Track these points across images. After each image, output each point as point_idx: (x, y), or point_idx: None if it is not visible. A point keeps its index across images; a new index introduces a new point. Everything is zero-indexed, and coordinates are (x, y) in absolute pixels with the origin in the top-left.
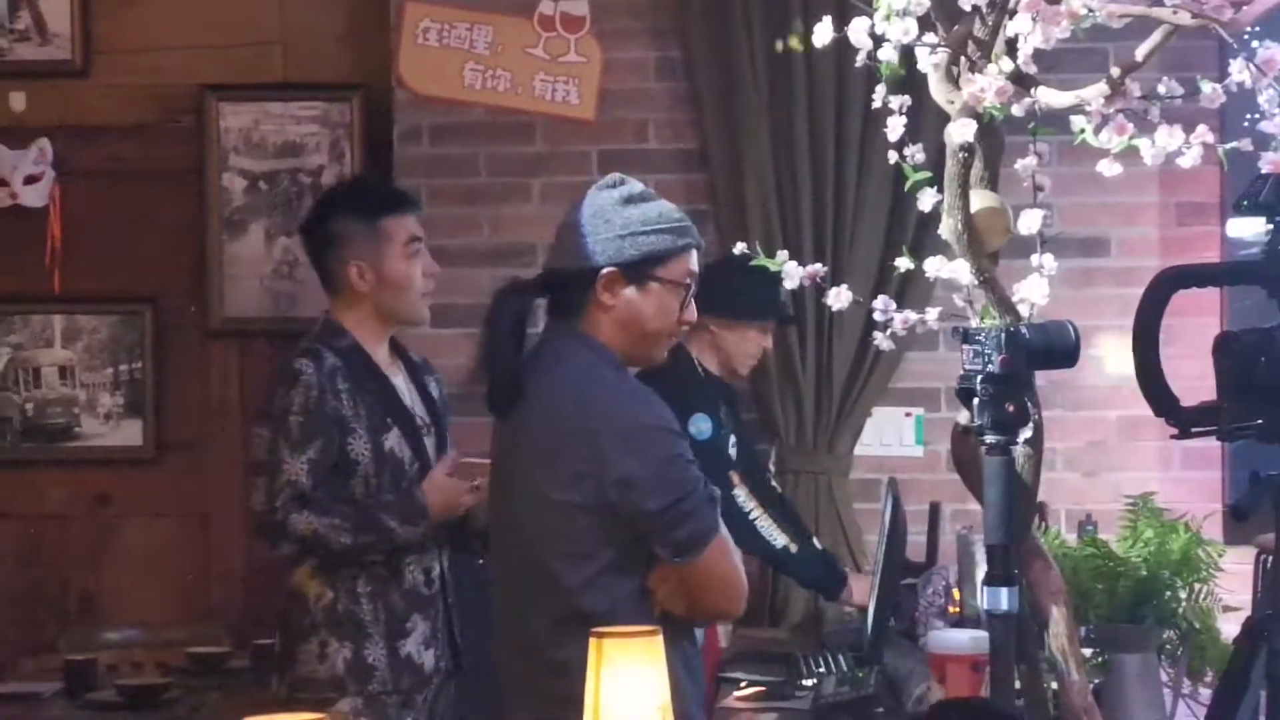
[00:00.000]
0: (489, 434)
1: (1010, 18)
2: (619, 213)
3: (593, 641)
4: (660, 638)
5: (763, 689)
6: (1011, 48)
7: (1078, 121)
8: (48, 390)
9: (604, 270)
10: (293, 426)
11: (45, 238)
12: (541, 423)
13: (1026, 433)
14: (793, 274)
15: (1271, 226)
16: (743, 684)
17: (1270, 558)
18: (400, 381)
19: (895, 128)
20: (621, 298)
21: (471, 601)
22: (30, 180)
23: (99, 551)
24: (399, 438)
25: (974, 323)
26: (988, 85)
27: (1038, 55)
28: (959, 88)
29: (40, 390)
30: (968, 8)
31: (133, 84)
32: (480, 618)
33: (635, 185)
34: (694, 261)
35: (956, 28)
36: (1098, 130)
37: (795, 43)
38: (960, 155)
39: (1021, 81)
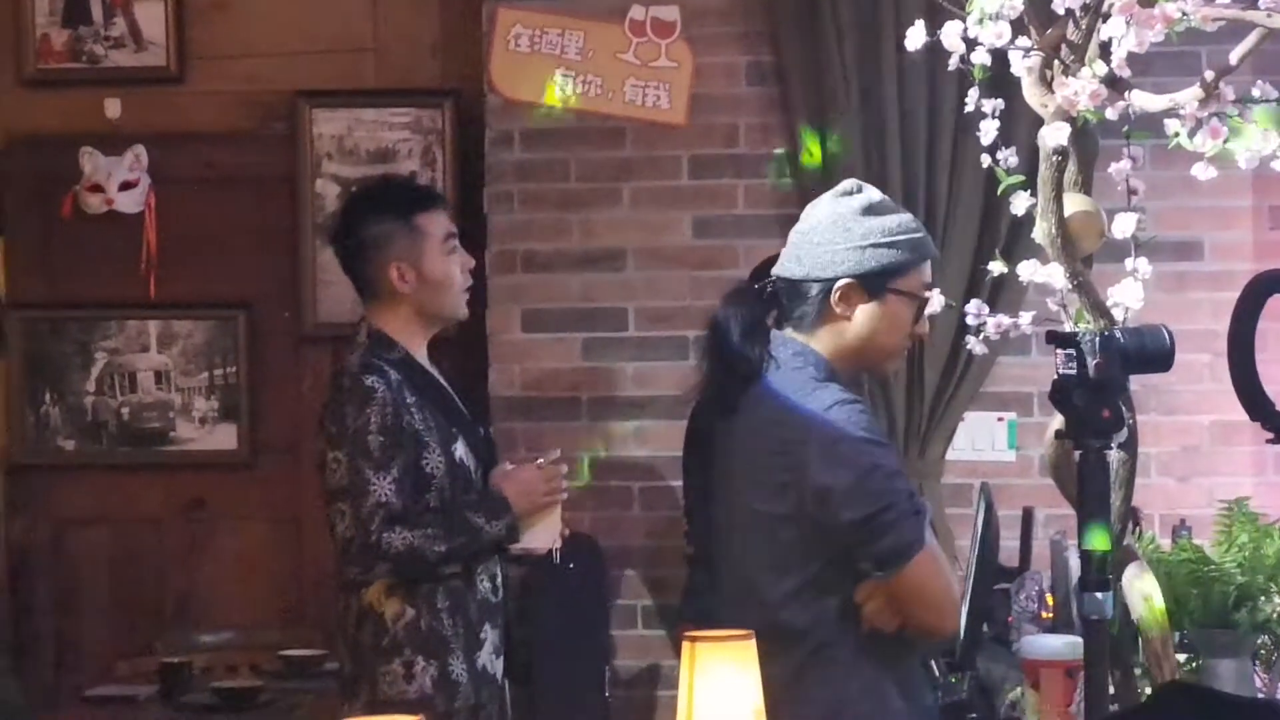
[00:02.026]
0: (563, 437)
1: (1104, 21)
2: (860, 222)
3: (685, 645)
4: (753, 643)
5: None
6: (1105, 51)
7: (1172, 125)
8: (143, 395)
9: (841, 281)
10: (373, 446)
11: (141, 244)
12: (748, 433)
13: (1121, 437)
14: None
15: None
16: None
17: None
18: (448, 386)
19: (988, 131)
20: (856, 309)
21: (537, 607)
22: (126, 186)
23: (193, 555)
24: (465, 446)
25: (1067, 327)
26: (1081, 89)
27: (1131, 59)
28: (1053, 91)
29: (136, 395)
30: (1061, 11)
31: (227, 91)
32: (549, 623)
33: (874, 193)
34: (929, 273)
35: (1050, 31)
36: (1192, 134)
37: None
38: (1054, 159)
39: (1115, 85)
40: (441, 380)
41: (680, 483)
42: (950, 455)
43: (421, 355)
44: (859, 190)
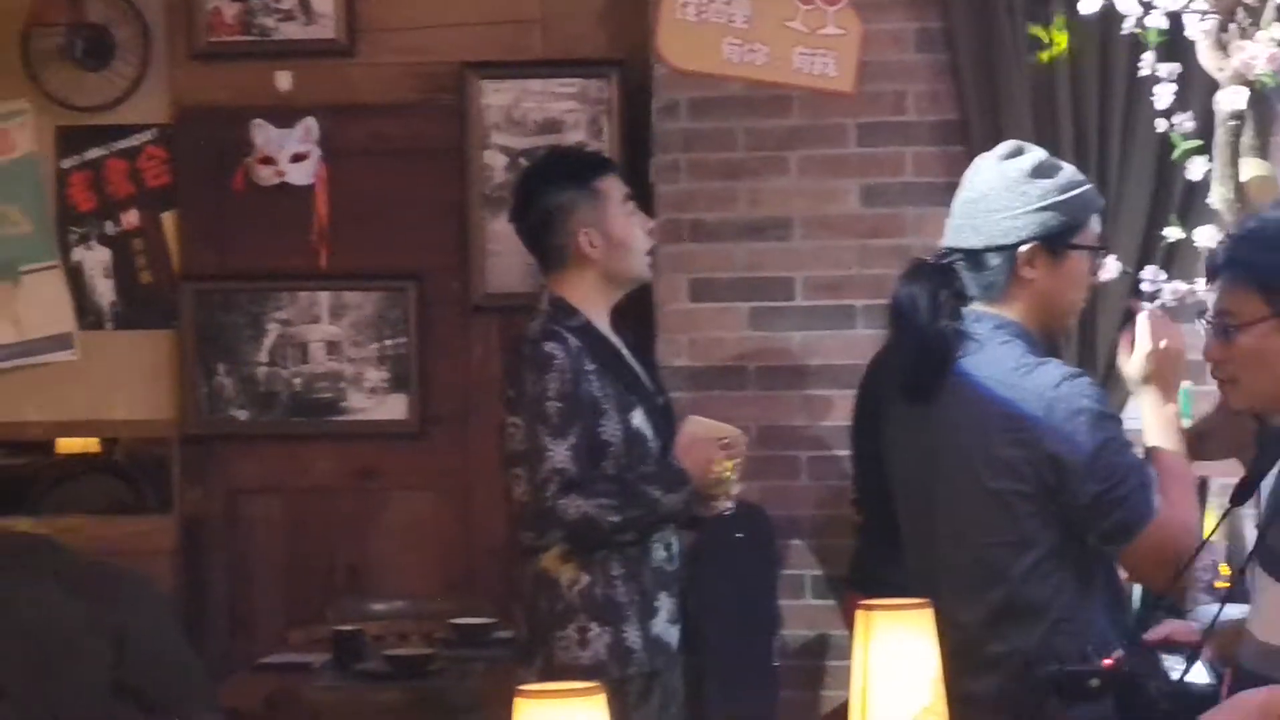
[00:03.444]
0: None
1: None
2: (1033, 184)
3: (859, 614)
4: (930, 612)
5: None
6: None
7: None
8: (315, 365)
9: (1026, 245)
10: (551, 413)
11: (312, 215)
12: (967, 412)
13: None
14: None
15: None
16: None
17: None
18: (626, 354)
19: (1163, 95)
20: (1042, 271)
21: (705, 576)
22: (297, 158)
23: (364, 524)
24: (643, 415)
25: None
26: (1259, 52)
27: None
28: (1229, 55)
29: (308, 365)
30: None
31: (396, 63)
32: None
33: (1037, 152)
34: (1099, 223)
35: None
36: None
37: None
38: (1230, 123)
39: None
40: (622, 349)
41: (848, 452)
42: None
43: (603, 323)
44: (1022, 151)
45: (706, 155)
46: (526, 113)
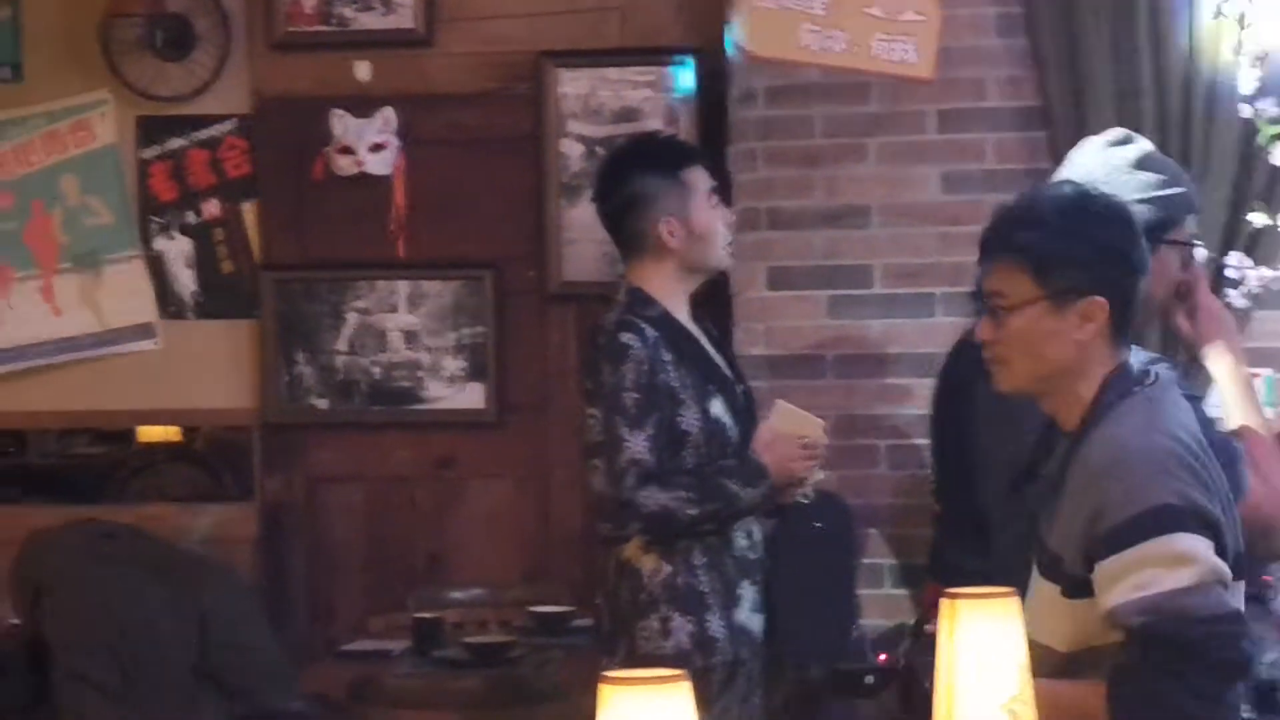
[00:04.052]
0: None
1: None
2: (1134, 176)
3: (944, 603)
4: (1016, 600)
5: None
6: None
7: None
8: (393, 354)
9: None
10: (628, 403)
11: (390, 205)
12: None
13: None
14: None
15: None
16: None
17: None
18: (705, 343)
19: (1248, 80)
20: None
21: (784, 565)
22: (376, 148)
23: (443, 512)
24: (722, 404)
25: None
26: None
27: None
28: None
29: (386, 354)
30: None
31: (473, 52)
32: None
33: (1144, 144)
34: (1194, 224)
35: None
36: None
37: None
38: None
39: None
40: (701, 338)
41: (927, 441)
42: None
43: (681, 313)
44: (1130, 140)
45: (784, 143)
46: (603, 101)
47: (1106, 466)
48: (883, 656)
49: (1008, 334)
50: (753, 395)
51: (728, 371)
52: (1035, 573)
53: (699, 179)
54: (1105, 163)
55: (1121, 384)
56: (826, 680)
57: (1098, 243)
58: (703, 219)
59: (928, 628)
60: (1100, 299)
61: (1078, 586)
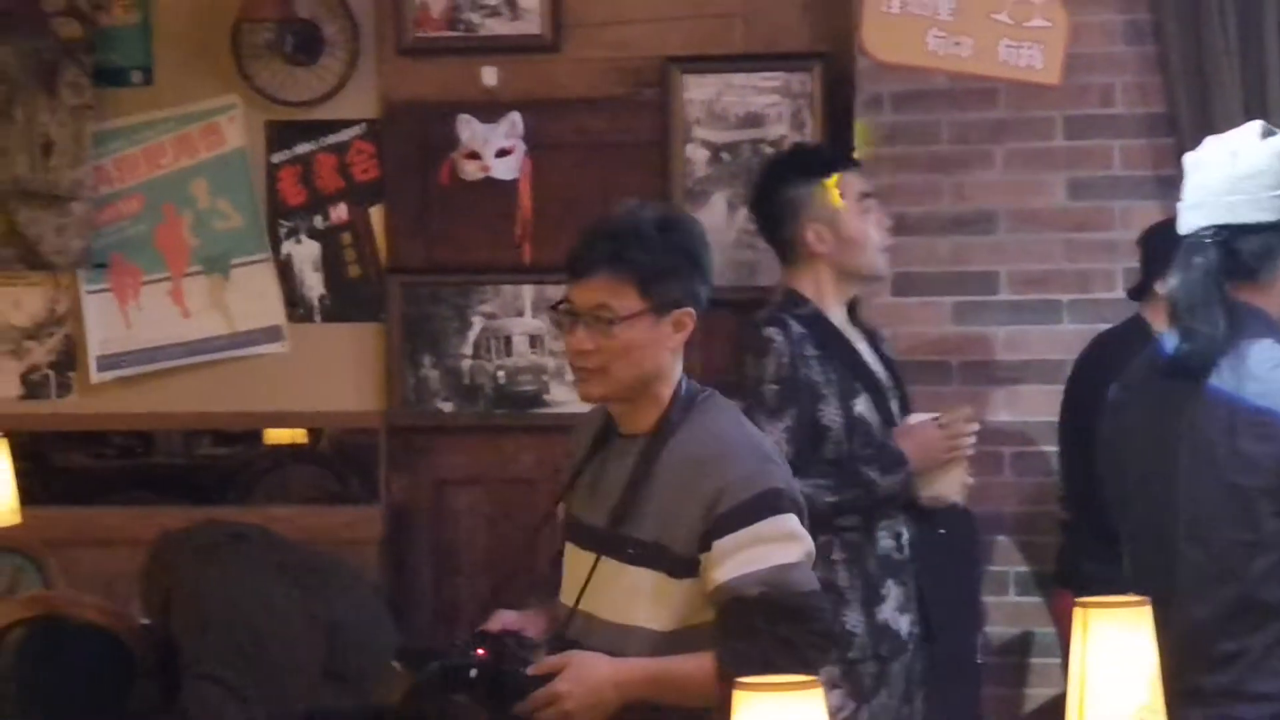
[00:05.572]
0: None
1: None
2: None
3: (1077, 611)
4: (1148, 608)
5: None
6: None
7: None
8: (518, 358)
9: None
10: (768, 395)
11: (516, 209)
12: (1218, 401)
13: None
14: None
15: None
16: None
17: None
18: (862, 346)
19: None
20: None
21: (936, 570)
22: (502, 153)
23: None
24: (868, 402)
25: None
26: None
27: None
28: None
29: (511, 359)
30: None
31: (599, 57)
32: (946, 586)
33: None
34: None
35: None
36: None
37: None
38: None
39: None
40: (858, 341)
41: (1053, 448)
42: None
43: (836, 316)
44: (1274, 132)
45: (910, 149)
46: (728, 106)
47: (715, 456)
48: (481, 651)
49: (613, 344)
50: (909, 403)
51: (883, 376)
52: (614, 563)
53: (848, 185)
54: (1273, 152)
55: (690, 387)
56: (438, 673)
57: (690, 257)
58: (851, 225)
59: (486, 627)
60: (690, 309)
61: (685, 567)
